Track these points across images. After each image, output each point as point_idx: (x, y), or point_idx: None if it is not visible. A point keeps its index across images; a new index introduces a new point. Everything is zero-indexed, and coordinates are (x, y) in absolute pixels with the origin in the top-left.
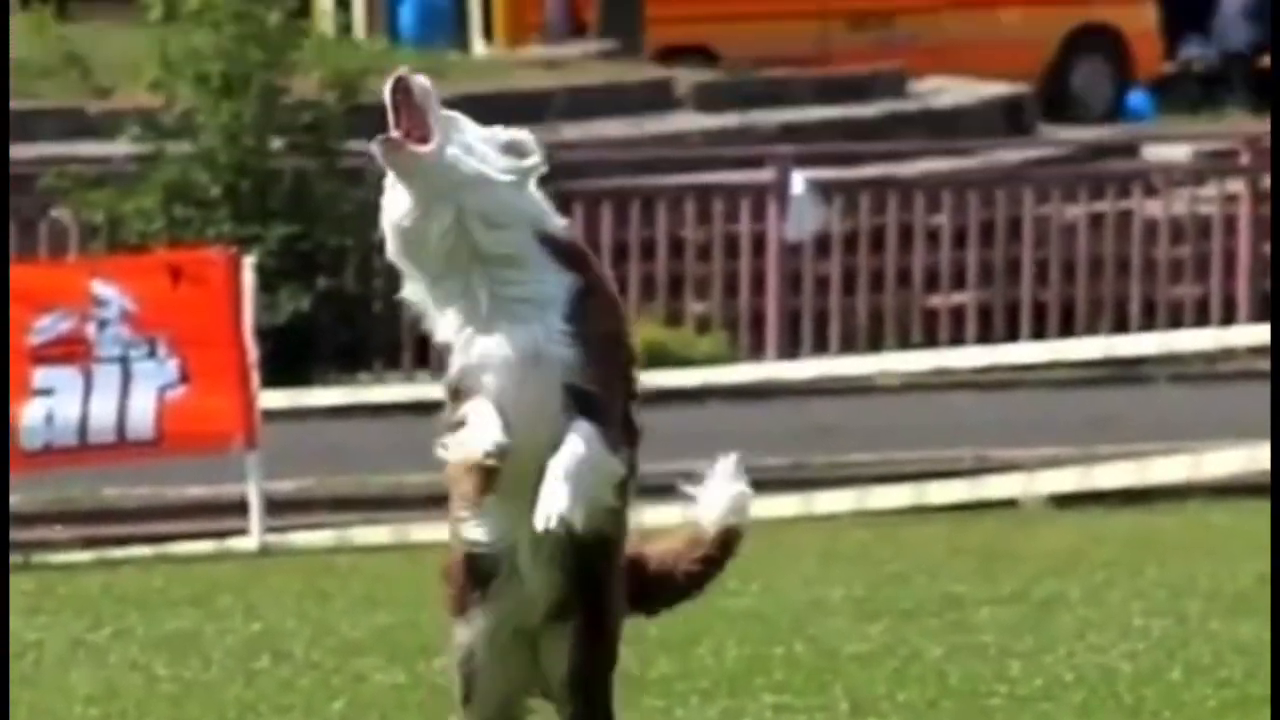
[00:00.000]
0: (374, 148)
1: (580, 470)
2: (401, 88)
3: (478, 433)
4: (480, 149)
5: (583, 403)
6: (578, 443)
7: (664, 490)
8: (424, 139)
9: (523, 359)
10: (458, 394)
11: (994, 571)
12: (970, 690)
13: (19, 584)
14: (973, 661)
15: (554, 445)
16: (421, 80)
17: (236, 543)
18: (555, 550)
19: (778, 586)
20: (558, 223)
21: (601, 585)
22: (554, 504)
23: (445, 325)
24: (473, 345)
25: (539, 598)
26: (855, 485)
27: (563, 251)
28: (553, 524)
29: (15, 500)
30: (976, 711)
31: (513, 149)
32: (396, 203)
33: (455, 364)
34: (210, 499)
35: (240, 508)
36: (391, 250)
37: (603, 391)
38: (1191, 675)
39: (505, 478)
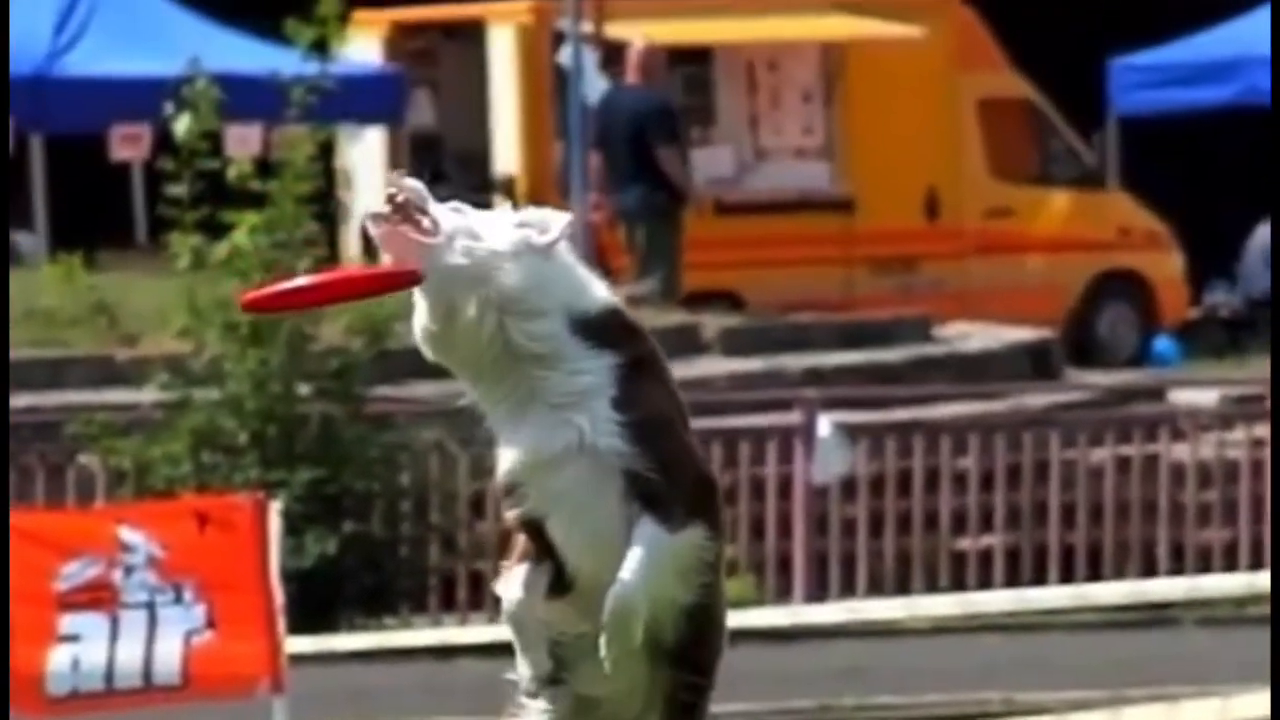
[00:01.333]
0: (367, 222)
1: (639, 594)
2: (396, 202)
3: (504, 589)
4: (491, 231)
5: (642, 489)
6: (636, 558)
7: None
8: (428, 231)
9: (570, 456)
10: (510, 493)
11: None
12: None
13: None
14: None
15: (615, 538)
16: (412, 183)
17: None
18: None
19: None
20: (595, 296)
21: (697, 663)
22: (617, 644)
23: (492, 423)
24: (518, 445)
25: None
26: None
27: (603, 328)
28: (608, 664)
29: None
30: None
31: (529, 225)
32: (419, 307)
33: (503, 465)
34: None
35: None
36: (427, 355)
37: (663, 472)
38: None
39: (576, 582)
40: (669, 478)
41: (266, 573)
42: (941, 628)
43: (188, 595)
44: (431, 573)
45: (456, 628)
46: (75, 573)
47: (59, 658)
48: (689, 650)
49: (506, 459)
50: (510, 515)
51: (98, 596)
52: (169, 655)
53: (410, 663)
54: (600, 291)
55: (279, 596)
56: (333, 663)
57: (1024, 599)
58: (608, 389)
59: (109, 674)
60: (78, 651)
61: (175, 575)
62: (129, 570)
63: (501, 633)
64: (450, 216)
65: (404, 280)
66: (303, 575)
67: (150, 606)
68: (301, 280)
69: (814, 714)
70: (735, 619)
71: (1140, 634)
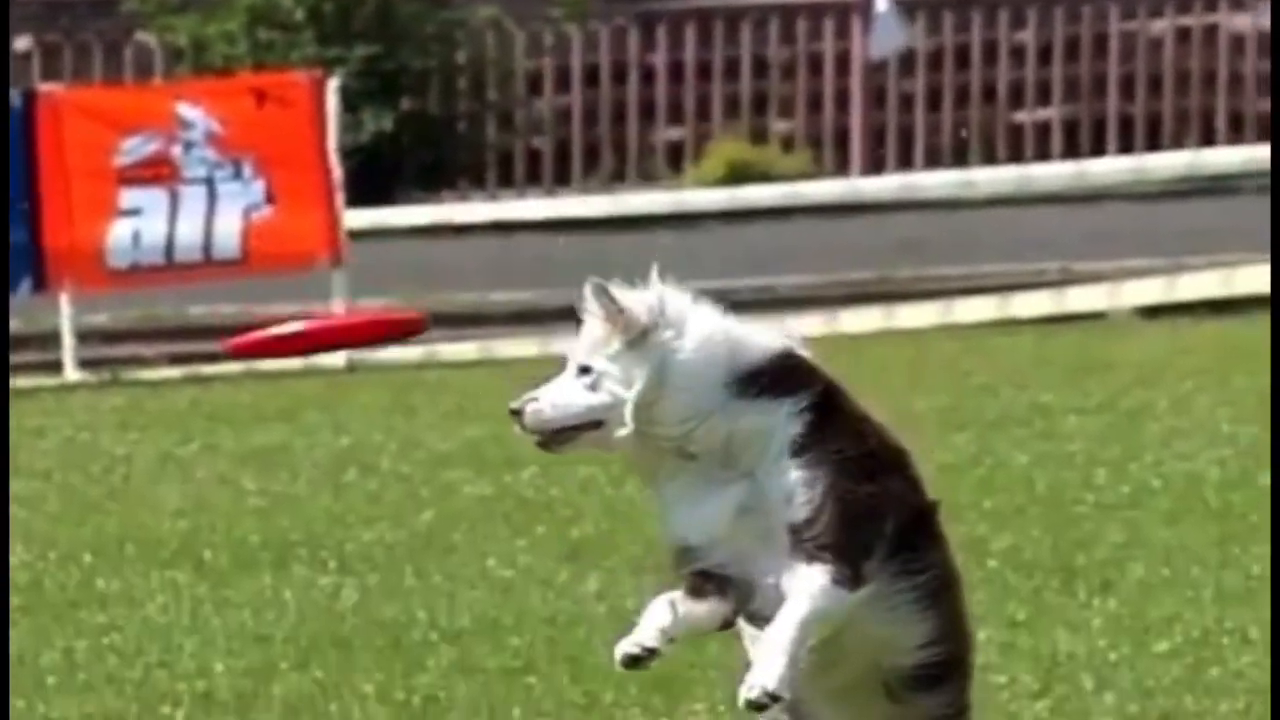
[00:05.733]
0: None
1: (795, 635)
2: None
3: (634, 631)
4: (608, 369)
5: (810, 537)
6: (795, 600)
7: (749, 305)
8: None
9: (746, 514)
10: (686, 555)
11: (1081, 381)
12: (1057, 498)
13: (108, 400)
14: (1060, 470)
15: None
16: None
17: (324, 359)
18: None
19: (863, 398)
20: (757, 347)
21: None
22: (760, 675)
23: (661, 486)
24: (697, 515)
25: None
26: (940, 298)
27: (773, 379)
28: (754, 695)
29: (103, 318)
30: (1063, 519)
31: (656, 329)
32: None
33: (679, 531)
34: (297, 316)
35: None
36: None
37: (839, 517)
38: None
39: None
40: (847, 523)
41: (324, 149)
42: (998, 200)
43: (247, 171)
44: (489, 149)
45: (514, 202)
46: (135, 148)
47: (120, 232)
48: (924, 684)
49: (685, 527)
50: (687, 569)
51: (157, 172)
52: (228, 230)
53: (468, 237)
54: (762, 340)
55: (337, 172)
56: (391, 238)
57: (1082, 172)
58: (783, 440)
59: (169, 248)
60: (138, 226)
61: (234, 151)
62: (188, 146)
63: (559, 208)
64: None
65: (409, 329)
66: (360, 151)
67: (210, 182)
68: (294, 326)
69: (872, 285)
70: (794, 192)
71: (1198, 203)
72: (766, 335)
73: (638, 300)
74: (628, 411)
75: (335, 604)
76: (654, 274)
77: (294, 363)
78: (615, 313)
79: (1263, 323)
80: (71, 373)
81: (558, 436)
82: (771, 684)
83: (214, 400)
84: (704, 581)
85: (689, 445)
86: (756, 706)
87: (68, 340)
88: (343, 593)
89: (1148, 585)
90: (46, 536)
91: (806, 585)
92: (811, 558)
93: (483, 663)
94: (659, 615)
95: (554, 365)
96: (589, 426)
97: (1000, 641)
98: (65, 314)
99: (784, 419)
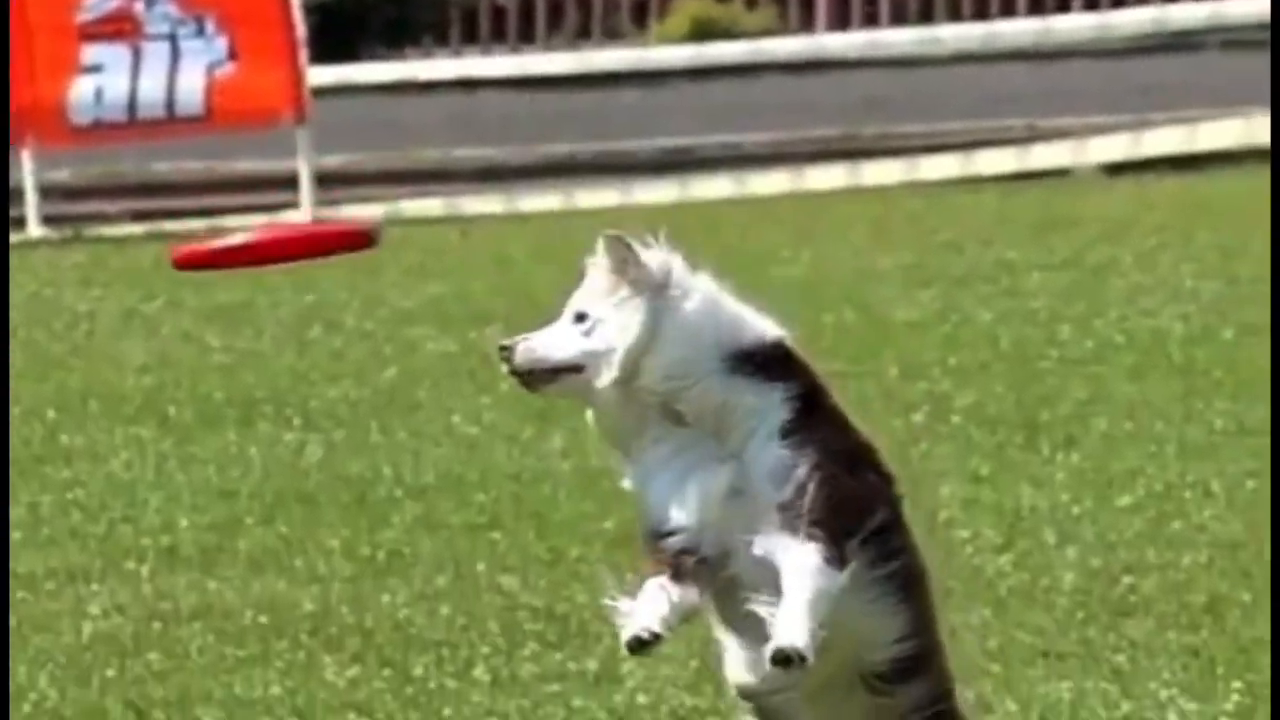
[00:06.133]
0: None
1: (811, 604)
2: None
3: (634, 615)
4: (607, 316)
5: (800, 516)
6: (799, 577)
7: (714, 162)
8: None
9: (735, 497)
10: (667, 536)
11: (1046, 238)
12: (1021, 354)
13: (71, 256)
14: (1024, 326)
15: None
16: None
17: (287, 216)
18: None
19: (828, 256)
20: (754, 331)
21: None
22: (789, 634)
23: (641, 459)
24: (682, 492)
25: None
26: (905, 155)
27: (766, 363)
28: (787, 645)
29: (65, 174)
30: (1028, 375)
31: (661, 287)
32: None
33: (662, 512)
34: (261, 174)
35: (290, 182)
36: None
37: (827, 500)
38: (1244, 335)
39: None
40: (826, 507)
41: (288, 5)
42: (963, 56)
43: (209, 27)
44: (453, 5)
45: (478, 59)
46: (97, 4)
47: (82, 88)
48: (901, 676)
49: (671, 509)
50: (669, 551)
51: (120, 28)
52: (191, 87)
53: (432, 95)
54: (760, 323)
55: (300, 28)
56: (355, 94)
57: (1048, 29)
58: (774, 424)
59: (131, 105)
60: (101, 82)
61: (197, 7)
62: (150, 2)
63: (524, 65)
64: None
65: (360, 241)
66: (323, 8)
67: (172, 38)
68: (242, 236)
69: (837, 142)
70: (759, 49)
71: (1163, 59)
72: (764, 321)
73: (652, 255)
74: (616, 358)
75: (300, 460)
76: (663, 238)
77: (256, 218)
78: (627, 264)
79: (1226, 179)
80: (34, 229)
81: (543, 376)
82: (801, 642)
83: None
84: (683, 563)
85: (677, 403)
86: (783, 660)
87: (30, 197)
88: (307, 449)
89: (1111, 440)
90: (10, 392)
91: (803, 562)
92: (804, 536)
93: (447, 519)
94: (657, 602)
95: (518, 221)
96: (575, 370)
97: (963, 497)
98: (28, 170)
99: (777, 403)
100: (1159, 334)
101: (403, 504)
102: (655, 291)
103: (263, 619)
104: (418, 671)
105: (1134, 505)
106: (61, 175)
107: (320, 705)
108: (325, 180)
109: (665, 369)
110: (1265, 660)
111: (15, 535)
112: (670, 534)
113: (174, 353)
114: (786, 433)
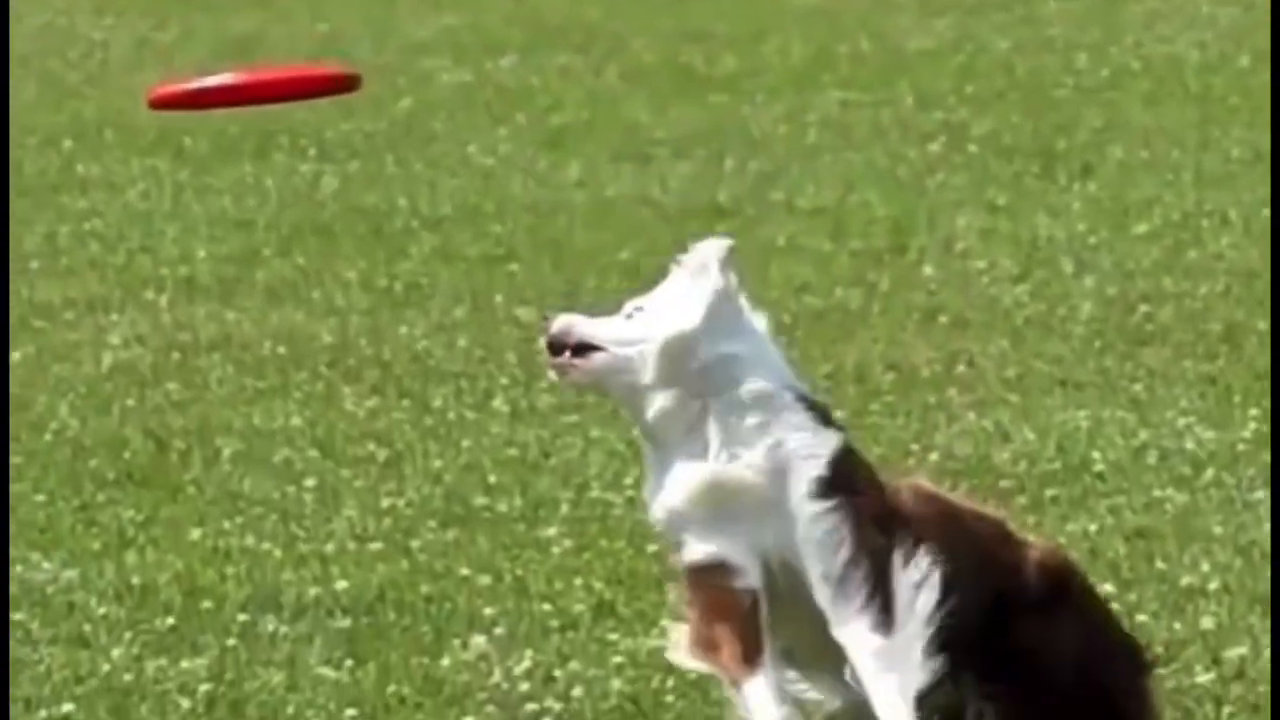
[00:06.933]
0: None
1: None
2: (555, 345)
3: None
4: (661, 305)
5: (847, 592)
6: (880, 678)
7: None
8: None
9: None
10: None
11: None
12: (1037, 82)
13: None
14: (1040, 54)
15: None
16: (564, 320)
17: None
18: None
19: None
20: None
21: None
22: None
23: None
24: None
25: None
26: None
27: (814, 405)
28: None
29: None
30: (1044, 103)
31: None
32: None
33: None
34: None
35: None
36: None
37: (869, 569)
38: (1259, 62)
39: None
40: (870, 575)
41: None
42: None
43: None
44: None
45: None
46: None
47: None
48: None
49: (709, 541)
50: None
51: None
52: None
53: None
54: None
55: None
56: None
57: None
58: (820, 472)
59: None
60: None
61: None
62: None
63: None
64: (625, 329)
65: (342, 85)
66: None
67: None
68: (222, 78)
69: None
70: None
71: None
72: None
73: (722, 264)
74: (657, 345)
75: (316, 192)
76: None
77: None
78: (708, 270)
79: None
80: None
81: (576, 350)
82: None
83: None
84: (726, 599)
85: (723, 391)
86: None
87: None
88: (323, 180)
89: (1127, 168)
90: (25, 122)
91: (876, 654)
92: (855, 612)
93: (464, 250)
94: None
95: None
96: (601, 350)
97: (980, 227)
98: None
99: (823, 445)
100: (1175, 61)
101: (419, 235)
102: (727, 296)
103: (281, 350)
104: (437, 403)
105: (1151, 234)
106: None
107: (340, 435)
108: None
109: (723, 349)
110: None
111: (33, 264)
112: (705, 567)
113: None
114: (827, 491)
